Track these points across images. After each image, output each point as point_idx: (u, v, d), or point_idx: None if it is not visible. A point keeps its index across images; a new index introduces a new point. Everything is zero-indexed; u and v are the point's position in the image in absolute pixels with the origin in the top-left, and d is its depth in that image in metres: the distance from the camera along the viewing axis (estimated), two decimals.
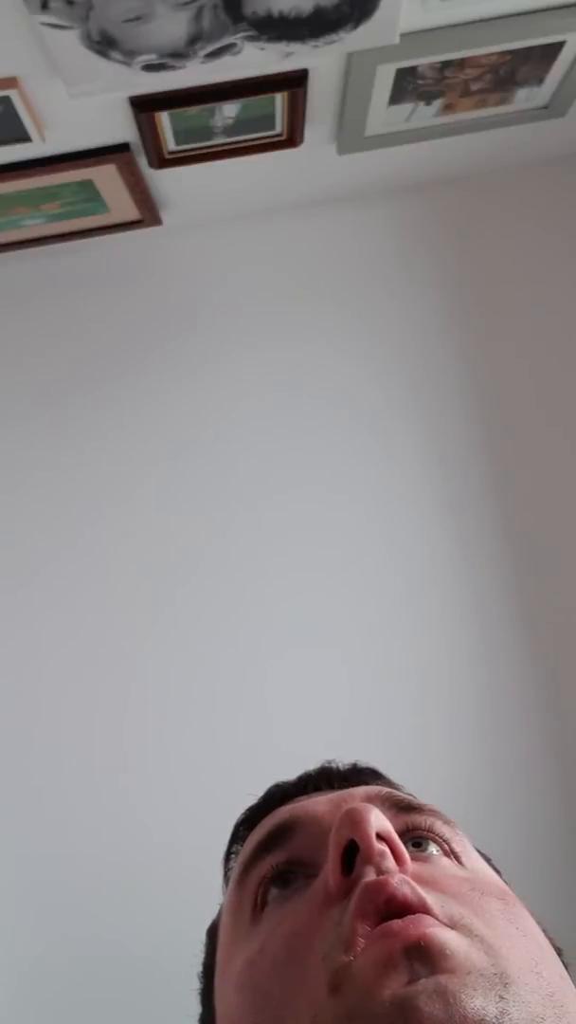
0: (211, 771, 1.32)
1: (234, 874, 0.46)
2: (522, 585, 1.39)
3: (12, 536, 1.45)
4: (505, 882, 0.45)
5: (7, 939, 1.31)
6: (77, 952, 1.28)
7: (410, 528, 1.42)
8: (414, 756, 1.28)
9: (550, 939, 0.40)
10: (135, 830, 1.32)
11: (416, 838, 0.42)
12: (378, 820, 0.37)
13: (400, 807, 0.44)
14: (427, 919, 0.34)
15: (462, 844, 0.44)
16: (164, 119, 1.18)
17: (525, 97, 1.28)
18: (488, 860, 0.47)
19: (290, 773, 0.53)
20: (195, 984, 0.49)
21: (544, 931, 0.40)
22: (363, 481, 1.44)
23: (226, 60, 1.04)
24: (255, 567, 1.42)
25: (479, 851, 0.46)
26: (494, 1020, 0.30)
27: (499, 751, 1.34)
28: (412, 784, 0.54)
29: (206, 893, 0.54)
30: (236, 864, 0.46)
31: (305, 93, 1.17)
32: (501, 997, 0.31)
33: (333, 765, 0.52)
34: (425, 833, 0.43)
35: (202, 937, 0.50)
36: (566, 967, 0.39)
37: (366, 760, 0.53)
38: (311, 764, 0.54)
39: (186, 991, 0.49)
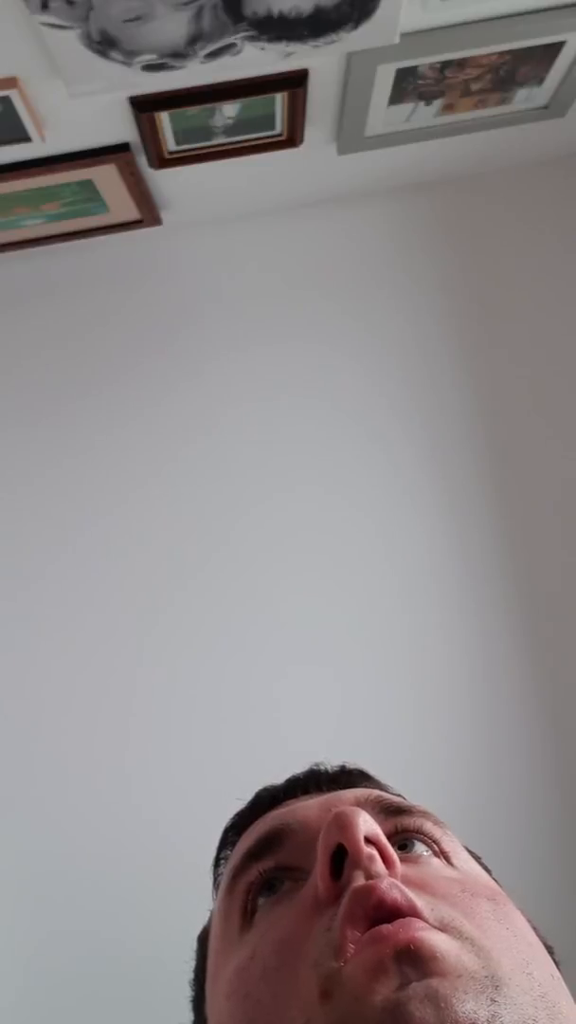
0: (212, 768, 1.32)
1: (224, 880, 0.45)
2: (521, 589, 1.39)
3: (10, 538, 1.45)
4: (496, 881, 0.44)
5: (6, 935, 1.31)
6: (76, 949, 1.29)
7: (409, 530, 1.42)
8: (414, 759, 1.28)
9: (541, 938, 0.40)
10: (135, 828, 1.32)
11: (405, 840, 0.42)
12: (366, 824, 0.37)
13: (389, 810, 0.43)
14: (417, 923, 0.33)
15: (452, 844, 0.43)
16: (164, 119, 1.18)
17: (525, 97, 1.28)
18: (478, 859, 0.46)
19: (289, 774, 0.53)
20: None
21: (535, 929, 0.40)
22: (362, 480, 1.44)
23: (226, 60, 1.04)
24: (255, 569, 1.42)
25: (469, 850, 0.46)
26: (486, 1023, 0.30)
27: (498, 752, 1.34)
28: (411, 785, 0.54)
29: (205, 891, 0.54)
30: (226, 870, 0.46)
31: (305, 93, 1.17)
32: (493, 1000, 0.31)
33: (321, 767, 0.52)
34: (414, 834, 0.42)
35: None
36: (557, 965, 0.39)
37: (354, 761, 0.53)
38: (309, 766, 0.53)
39: (185, 989, 0.49)
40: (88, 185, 1.29)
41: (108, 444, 1.47)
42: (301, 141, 1.29)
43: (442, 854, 0.42)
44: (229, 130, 1.23)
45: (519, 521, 1.41)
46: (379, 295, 1.50)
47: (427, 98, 1.24)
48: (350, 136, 1.31)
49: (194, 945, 0.49)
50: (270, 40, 1.02)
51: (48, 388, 1.49)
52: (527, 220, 1.51)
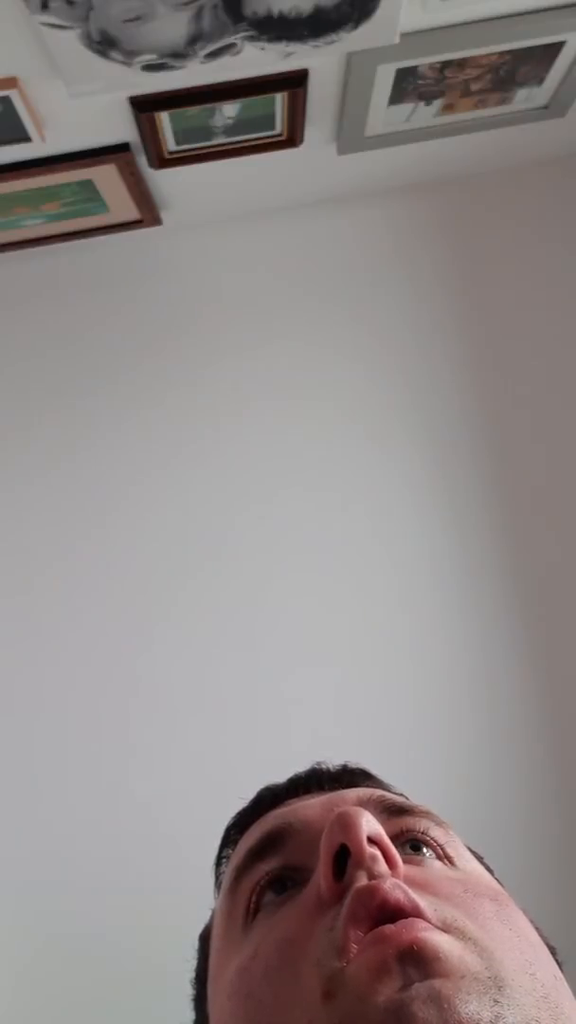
0: (213, 767, 1.32)
1: (226, 880, 0.45)
2: (521, 589, 1.39)
3: (10, 538, 1.45)
4: (498, 881, 0.44)
5: (6, 937, 1.31)
6: (77, 948, 1.29)
7: (410, 530, 1.42)
8: (414, 758, 1.28)
9: (543, 938, 0.40)
10: (137, 827, 1.32)
11: (408, 840, 0.42)
12: (369, 824, 0.37)
13: (392, 810, 0.43)
14: (420, 923, 0.33)
15: (454, 844, 0.43)
16: (164, 119, 1.18)
17: (525, 97, 1.28)
18: (481, 859, 0.46)
19: (291, 773, 0.52)
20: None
21: (537, 929, 0.40)
22: (362, 480, 1.44)
23: (226, 60, 1.04)
24: (255, 568, 1.42)
25: (472, 850, 0.46)
26: None
27: (498, 752, 1.34)
28: (411, 785, 0.54)
29: (207, 890, 0.54)
30: (228, 870, 0.46)
31: (305, 93, 1.17)
32: (496, 1001, 0.31)
33: (323, 766, 0.51)
34: (417, 835, 0.42)
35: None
36: (560, 966, 0.39)
37: (356, 760, 0.52)
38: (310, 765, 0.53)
39: (186, 988, 0.49)
40: (88, 185, 1.29)
41: (108, 443, 1.47)
42: (301, 141, 1.29)
43: (444, 854, 0.42)
44: (229, 130, 1.23)
45: (519, 521, 1.41)
46: (379, 295, 1.50)
47: (427, 98, 1.24)
48: (350, 136, 1.31)
49: (195, 944, 0.49)
50: (270, 40, 1.02)
51: (48, 388, 1.49)
52: (527, 220, 1.51)
